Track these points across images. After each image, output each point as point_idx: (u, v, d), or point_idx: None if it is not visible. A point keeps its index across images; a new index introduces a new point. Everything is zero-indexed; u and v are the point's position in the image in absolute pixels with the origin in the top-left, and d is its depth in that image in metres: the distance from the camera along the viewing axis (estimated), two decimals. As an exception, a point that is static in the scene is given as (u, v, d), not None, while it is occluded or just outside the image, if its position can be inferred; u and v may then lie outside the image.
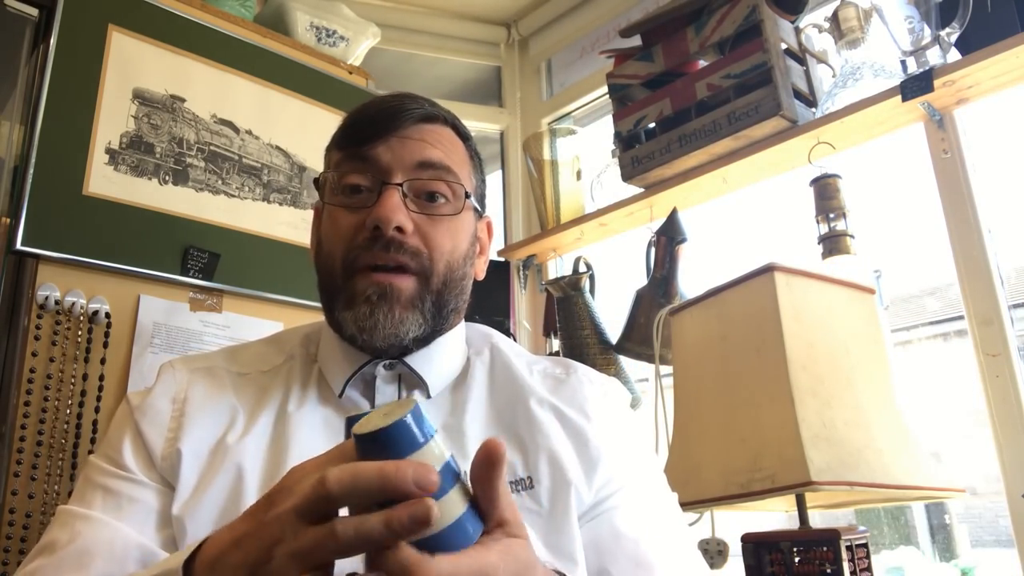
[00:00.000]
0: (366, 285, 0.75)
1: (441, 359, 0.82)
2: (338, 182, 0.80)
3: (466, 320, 0.91)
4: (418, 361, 0.80)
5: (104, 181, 1.40)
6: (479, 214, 0.87)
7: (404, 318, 0.75)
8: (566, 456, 0.76)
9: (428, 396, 0.80)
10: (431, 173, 0.78)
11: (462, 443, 0.76)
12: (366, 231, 0.75)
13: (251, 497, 0.70)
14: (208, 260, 1.48)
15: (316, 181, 0.84)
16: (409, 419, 0.46)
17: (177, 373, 0.81)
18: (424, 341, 0.79)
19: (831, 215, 1.45)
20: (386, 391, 0.79)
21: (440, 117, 0.83)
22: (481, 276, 0.89)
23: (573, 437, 0.78)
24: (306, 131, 1.69)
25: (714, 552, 1.34)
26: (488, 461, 0.49)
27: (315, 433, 0.75)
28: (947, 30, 1.36)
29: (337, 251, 0.77)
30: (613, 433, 0.81)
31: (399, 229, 0.75)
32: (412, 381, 0.80)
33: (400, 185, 0.76)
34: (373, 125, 0.79)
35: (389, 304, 0.74)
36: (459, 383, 0.83)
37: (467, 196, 0.80)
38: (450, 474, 0.48)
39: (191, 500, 0.70)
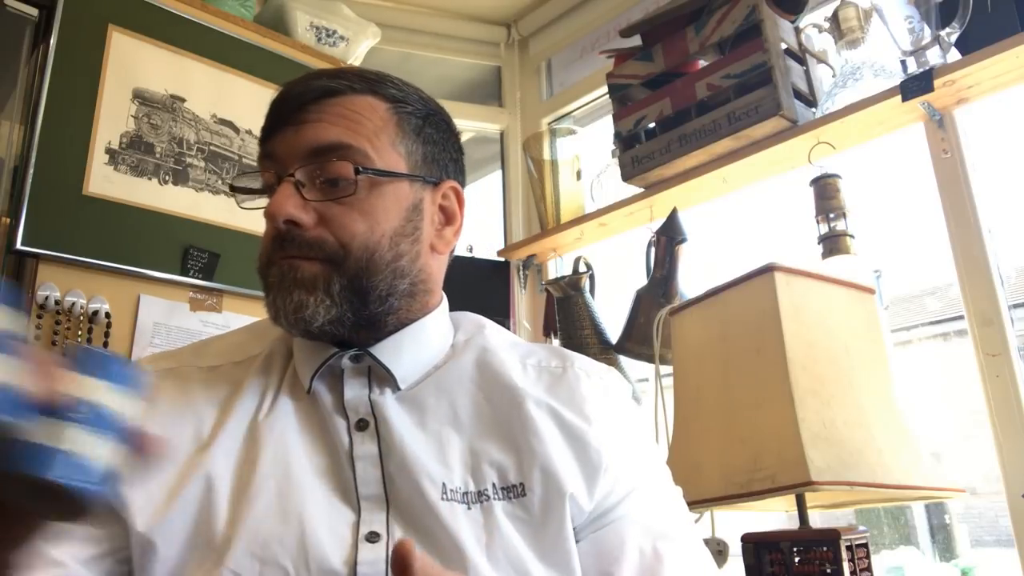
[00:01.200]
0: (273, 272, 0.72)
1: (414, 348, 0.76)
2: (259, 184, 0.77)
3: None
4: (385, 351, 0.75)
5: (104, 181, 1.40)
6: (430, 182, 0.78)
7: (304, 301, 0.70)
8: (564, 464, 0.72)
9: (398, 388, 0.75)
10: (328, 156, 0.72)
11: (442, 447, 0.72)
12: (271, 231, 0.72)
13: (222, 507, 0.67)
14: (208, 260, 1.48)
15: (232, 187, 0.81)
16: None
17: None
18: (372, 328, 0.74)
19: (831, 215, 1.45)
20: (354, 384, 0.74)
21: (346, 88, 0.75)
22: (444, 250, 0.81)
23: (572, 442, 0.74)
24: (306, 131, 1.69)
25: (714, 552, 1.34)
26: (399, 568, 0.47)
27: (289, 432, 0.71)
28: (947, 30, 1.36)
29: (260, 254, 0.75)
30: (615, 435, 0.77)
31: (295, 224, 0.70)
32: (380, 373, 0.75)
33: (292, 176, 0.71)
34: (275, 116, 0.75)
35: (287, 287, 0.70)
36: (440, 377, 0.77)
37: (369, 172, 0.72)
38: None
39: (159, 515, 0.66)
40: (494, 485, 0.70)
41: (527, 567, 0.67)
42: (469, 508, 0.69)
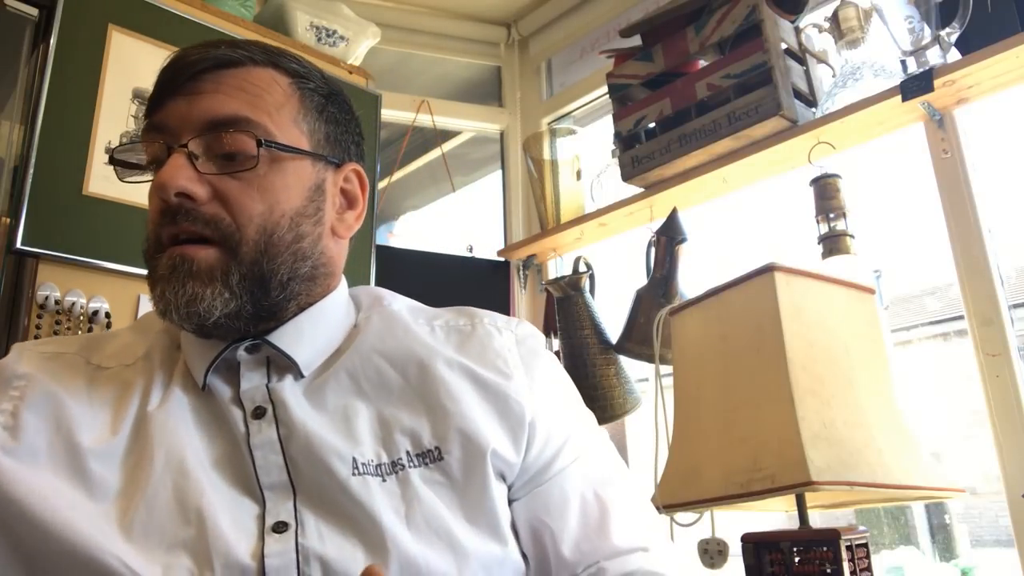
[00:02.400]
0: (161, 262, 0.66)
1: (314, 332, 0.72)
2: (146, 158, 0.71)
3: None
4: (284, 338, 0.70)
5: (104, 181, 1.40)
6: (332, 162, 0.75)
7: (199, 294, 0.65)
8: (483, 421, 0.70)
9: (301, 376, 0.71)
10: (223, 128, 0.67)
11: (347, 422, 0.68)
12: (159, 205, 0.66)
13: (111, 510, 0.62)
14: (208, 260, 1.48)
15: (112, 159, 0.74)
16: None
17: (25, 353, 0.72)
18: (268, 318, 0.70)
19: (831, 215, 1.45)
20: (252, 377, 0.70)
21: (246, 59, 0.70)
22: (347, 234, 0.77)
23: (490, 398, 0.72)
24: (306, 131, 1.69)
25: (714, 552, 1.34)
26: None
27: (182, 428, 0.67)
28: (947, 30, 1.36)
29: (148, 234, 0.69)
30: (536, 387, 0.75)
31: (187, 197, 0.65)
32: (281, 362, 0.71)
33: (185, 147, 0.66)
34: (166, 85, 0.69)
35: (180, 279, 0.65)
36: (342, 352, 0.73)
37: (272, 146, 0.68)
38: None
39: (24, 508, 0.61)
40: (408, 453, 0.68)
41: (452, 531, 0.66)
42: (384, 480, 0.66)
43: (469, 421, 0.69)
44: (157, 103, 0.69)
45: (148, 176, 0.70)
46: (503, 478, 0.71)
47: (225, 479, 0.65)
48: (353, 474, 0.65)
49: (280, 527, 0.63)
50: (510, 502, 0.72)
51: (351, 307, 0.79)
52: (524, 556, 0.71)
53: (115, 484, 0.64)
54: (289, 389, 0.70)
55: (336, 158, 0.75)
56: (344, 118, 0.78)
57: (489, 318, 0.80)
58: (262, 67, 0.71)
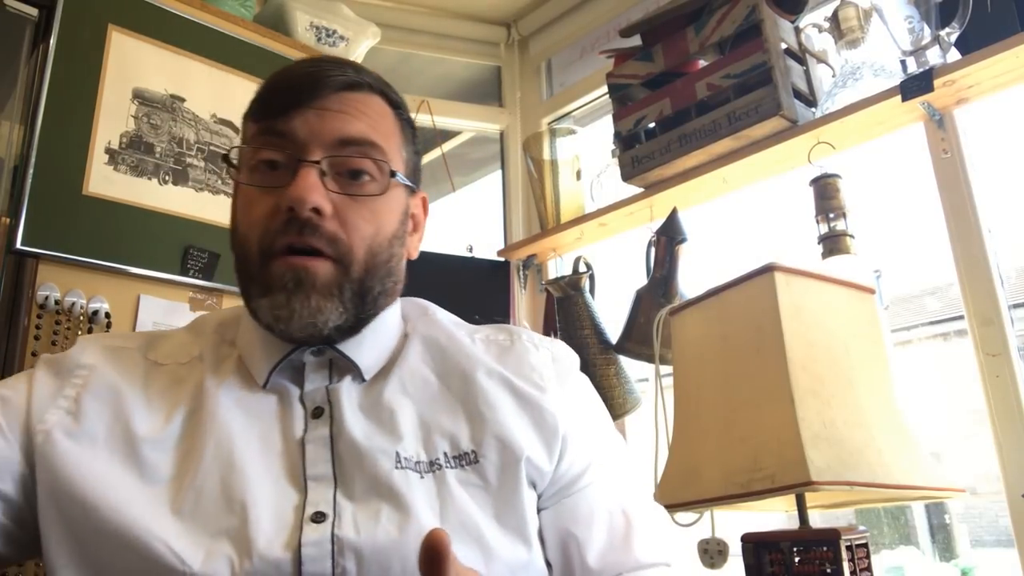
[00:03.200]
0: (282, 271, 0.70)
1: (374, 340, 0.77)
2: (252, 158, 0.74)
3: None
4: (348, 345, 0.75)
5: (104, 181, 1.40)
6: (412, 190, 0.80)
7: (321, 306, 0.70)
8: (519, 429, 0.74)
9: (363, 380, 0.76)
10: (353, 150, 0.72)
11: (393, 421, 0.72)
12: (282, 213, 0.69)
13: (154, 495, 0.66)
14: (208, 260, 1.48)
15: (225, 156, 0.77)
16: None
17: (91, 346, 0.77)
18: (351, 329, 0.74)
19: (831, 215, 1.45)
20: (315, 378, 0.75)
21: (365, 84, 0.75)
22: (414, 255, 0.83)
23: (526, 408, 0.76)
24: (306, 131, 1.69)
25: (714, 552, 1.34)
26: (429, 556, 0.48)
27: (233, 424, 0.71)
28: (947, 30, 1.36)
29: (253, 235, 0.72)
30: (569, 402, 0.79)
31: (316, 211, 0.69)
32: (343, 366, 0.76)
33: (318, 163, 0.70)
34: (290, 95, 0.73)
35: (305, 292, 0.69)
36: (392, 360, 0.78)
37: (393, 175, 0.74)
38: None
39: (80, 488, 0.65)
40: (446, 454, 0.71)
41: (481, 531, 0.68)
42: (422, 477, 0.70)
43: (506, 428, 0.73)
44: (279, 111, 0.72)
45: (259, 177, 0.73)
46: (534, 486, 0.74)
47: (272, 472, 0.69)
48: (396, 467, 0.69)
49: (318, 517, 0.66)
50: (538, 510, 0.75)
51: (400, 317, 0.84)
52: (548, 563, 0.75)
53: (166, 471, 0.68)
54: (346, 391, 0.74)
55: (416, 185, 0.82)
56: (419, 148, 0.84)
57: (527, 335, 0.85)
58: (375, 95, 0.77)
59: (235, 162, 0.77)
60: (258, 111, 0.75)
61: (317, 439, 0.71)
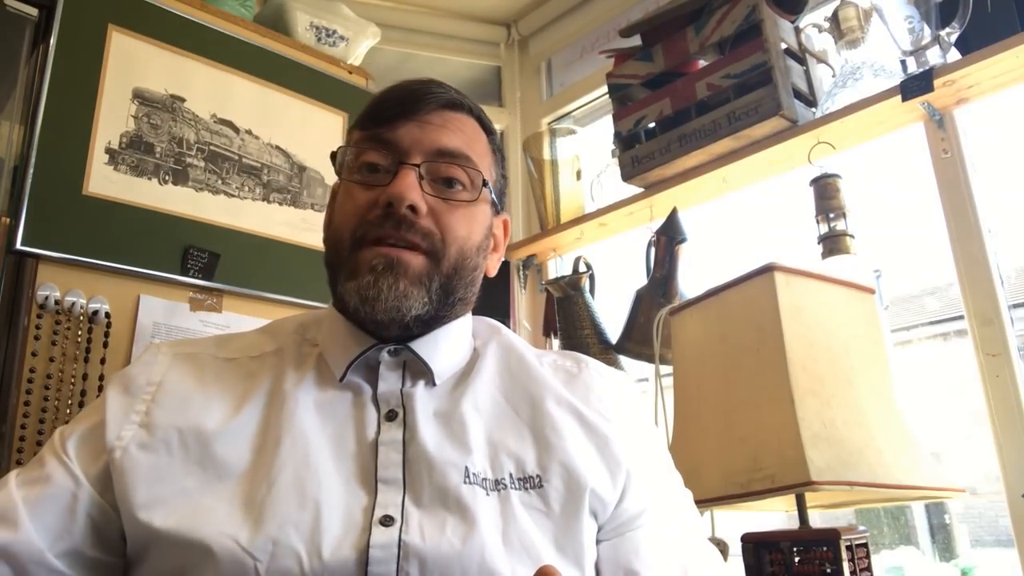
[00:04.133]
0: (372, 256, 0.74)
1: (448, 347, 0.81)
2: (356, 159, 0.79)
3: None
4: (423, 347, 0.78)
5: (104, 181, 1.40)
6: (496, 210, 0.86)
7: (408, 292, 0.73)
8: (585, 458, 0.75)
9: (433, 384, 0.78)
10: (450, 159, 0.78)
11: (465, 435, 0.74)
12: (379, 208, 0.74)
13: (235, 491, 0.68)
14: (208, 260, 1.48)
15: (333, 155, 0.83)
16: None
17: (160, 355, 0.79)
18: (427, 325, 0.78)
19: (831, 215, 1.45)
20: (389, 377, 0.78)
21: (465, 106, 0.82)
22: (493, 273, 0.87)
23: (593, 438, 0.77)
24: (306, 131, 1.69)
25: (714, 552, 1.34)
26: None
27: (310, 419, 0.73)
28: (947, 30, 1.36)
29: (347, 224, 0.76)
30: (634, 435, 0.81)
31: (412, 208, 0.74)
32: (417, 368, 0.78)
33: (418, 166, 0.76)
34: (396, 107, 0.79)
35: (395, 275, 0.73)
36: (466, 373, 0.81)
37: (484, 185, 0.80)
38: None
39: (156, 493, 0.68)
40: (511, 475, 0.73)
41: (540, 555, 0.69)
42: (488, 494, 0.71)
43: (572, 457, 0.74)
44: (385, 121, 0.78)
45: (361, 176, 0.79)
46: (595, 516, 0.75)
47: (344, 470, 0.71)
48: (465, 482, 0.70)
49: (387, 520, 0.67)
50: (598, 541, 0.76)
51: (471, 332, 0.87)
52: None
53: (240, 464, 0.70)
54: (420, 396, 0.76)
55: (501, 206, 0.87)
56: (504, 173, 0.89)
57: (594, 364, 0.87)
58: (472, 118, 0.83)
59: (339, 162, 0.82)
60: (366, 120, 0.81)
61: (390, 442, 0.72)
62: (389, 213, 0.74)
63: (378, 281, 0.73)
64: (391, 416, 0.74)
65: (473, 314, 0.90)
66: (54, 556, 0.68)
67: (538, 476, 0.73)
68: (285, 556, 0.64)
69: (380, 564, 0.64)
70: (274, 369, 0.78)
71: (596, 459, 0.76)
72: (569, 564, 0.71)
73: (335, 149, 0.82)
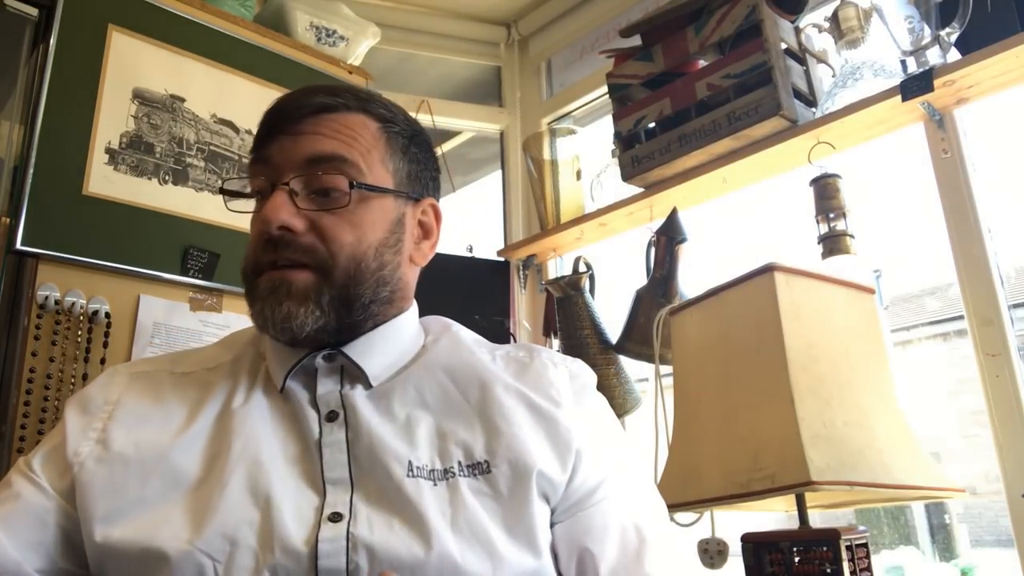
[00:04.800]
0: (264, 283, 0.75)
1: (384, 348, 0.81)
2: (248, 188, 0.81)
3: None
4: (356, 350, 0.79)
5: (104, 181, 1.40)
6: (412, 198, 0.84)
7: (293, 312, 0.74)
8: (532, 442, 0.76)
9: (370, 385, 0.79)
10: (323, 167, 0.76)
11: (409, 429, 0.75)
12: (263, 236, 0.75)
13: (190, 493, 0.70)
14: (208, 260, 1.48)
15: (221, 189, 0.84)
16: None
17: (116, 376, 0.81)
18: (350, 331, 0.78)
19: (831, 215, 1.45)
20: (327, 382, 0.79)
21: (341, 104, 0.80)
22: (422, 262, 0.86)
23: (541, 422, 0.78)
24: (306, 131, 1.69)
25: (714, 552, 1.34)
26: None
27: (260, 425, 0.75)
28: (947, 30, 1.36)
29: (248, 259, 0.78)
30: (584, 418, 0.81)
31: (288, 229, 0.74)
32: (353, 373, 0.79)
33: (287, 184, 0.75)
34: (268, 126, 0.79)
35: (278, 298, 0.74)
36: (411, 372, 0.81)
37: (363, 187, 0.77)
38: None
39: (114, 506, 0.69)
40: (460, 463, 0.74)
41: (491, 538, 0.70)
42: (435, 484, 0.72)
43: (520, 442, 0.75)
44: (263, 140, 0.79)
45: (249, 205, 0.80)
46: (547, 499, 0.76)
47: (294, 472, 0.73)
48: (408, 475, 0.72)
49: (335, 517, 0.69)
50: (553, 524, 0.77)
51: (420, 332, 0.87)
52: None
53: (195, 470, 0.72)
54: (359, 396, 0.77)
55: (416, 194, 0.84)
56: (424, 157, 0.87)
57: (547, 353, 0.87)
58: (354, 112, 0.81)
59: (234, 191, 0.83)
60: (253, 144, 0.81)
61: (334, 443, 0.74)
62: (268, 238, 0.75)
63: (264, 309, 0.75)
64: (331, 417, 0.76)
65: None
66: (31, 568, 0.69)
67: (486, 462, 0.74)
68: (242, 554, 0.66)
69: (329, 557, 0.66)
70: (229, 379, 0.80)
71: (544, 442, 0.77)
72: (520, 546, 0.72)
73: (223, 185, 0.84)
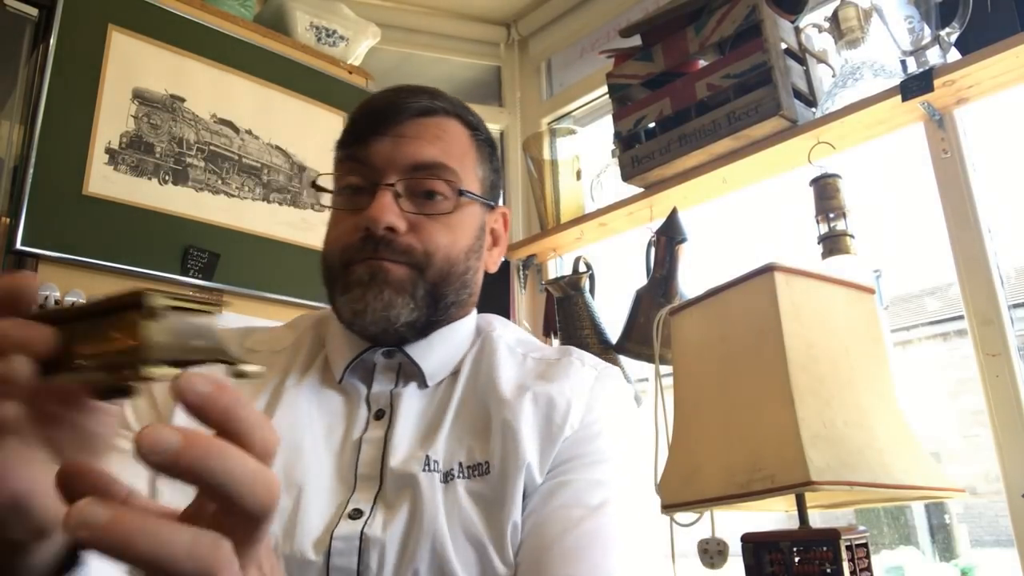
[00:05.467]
0: (361, 270, 0.76)
1: (441, 349, 0.82)
2: (337, 184, 0.81)
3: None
4: (416, 350, 0.80)
5: (104, 181, 1.40)
6: (489, 206, 0.86)
7: (393, 300, 0.75)
8: (528, 433, 0.73)
9: (425, 385, 0.80)
10: (426, 173, 0.78)
11: (435, 430, 0.76)
12: (360, 232, 0.76)
13: None
14: (208, 260, 1.48)
15: (313, 183, 0.84)
16: None
17: None
18: (421, 331, 0.79)
19: (831, 215, 1.45)
20: (383, 379, 0.80)
21: (440, 109, 0.82)
22: (493, 269, 0.88)
23: (542, 414, 0.75)
24: (306, 131, 1.69)
25: (714, 552, 1.34)
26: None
27: (307, 410, 0.76)
28: (947, 30, 1.36)
29: (336, 251, 0.79)
30: (590, 412, 0.77)
31: (391, 229, 0.76)
32: (410, 371, 0.81)
33: (392, 185, 0.77)
34: (369, 124, 0.80)
35: (379, 286, 0.75)
36: (456, 373, 0.82)
37: (461, 194, 0.80)
38: None
39: None
40: (460, 464, 0.74)
41: (480, 539, 0.70)
42: (443, 483, 0.73)
43: (516, 432, 0.73)
44: (360, 139, 0.79)
45: (343, 200, 0.80)
46: (526, 495, 0.72)
47: (331, 465, 0.73)
48: (423, 470, 0.72)
49: (356, 514, 0.70)
50: (525, 520, 0.71)
51: (474, 331, 0.88)
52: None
53: None
54: (408, 396, 0.79)
55: (492, 202, 0.87)
56: (498, 166, 0.89)
57: (578, 355, 0.86)
58: (450, 118, 0.83)
59: (326, 187, 0.83)
60: (343, 140, 0.81)
61: (374, 439, 0.75)
62: (369, 236, 0.76)
63: (365, 294, 0.75)
64: (379, 415, 0.77)
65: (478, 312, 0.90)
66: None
67: (486, 463, 0.73)
68: None
69: (342, 556, 0.67)
70: (287, 363, 0.81)
71: (536, 433, 0.74)
72: (510, 545, 0.69)
73: (315, 181, 0.84)
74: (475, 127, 0.85)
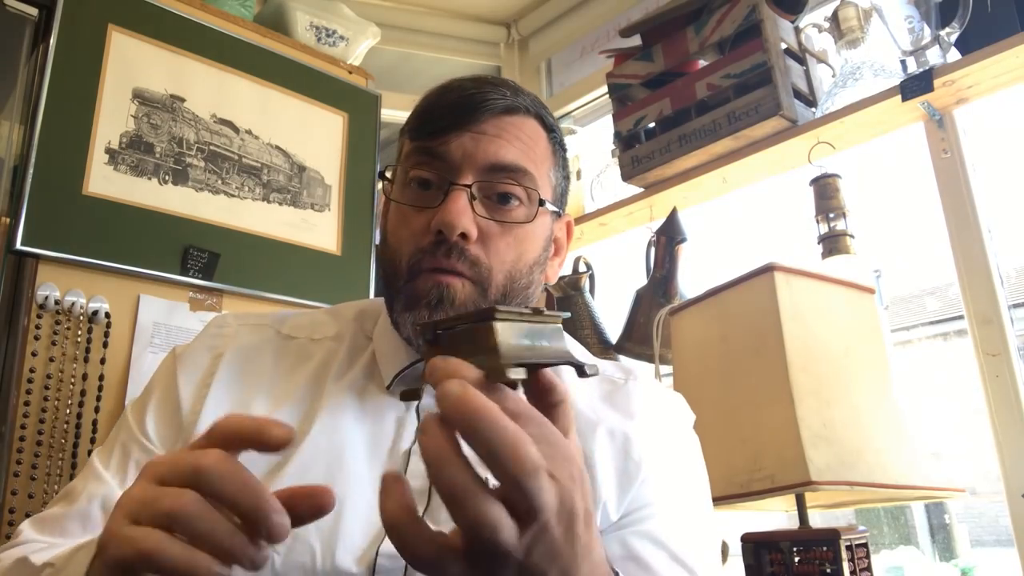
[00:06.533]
0: (428, 286, 0.71)
1: None
2: (406, 175, 0.76)
3: None
4: None
5: (104, 181, 1.40)
6: (558, 214, 0.81)
7: None
8: (604, 471, 0.72)
9: None
10: (504, 176, 0.73)
11: None
12: (431, 234, 0.71)
13: (265, 475, 0.67)
14: (208, 260, 1.48)
15: (382, 174, 0.79)
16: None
17: (225, 327, 0.80)
18: None
19: (831, 215, 1.45)
20: (432, 391, 0.78)
21: (523, 107, 0.76)
22: (553, 280, 0.83)
23: (616, 451, 0.74)
24: (306, 131, 1.69)
25: (714, 552, 1.34)
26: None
27: (349, 413, 0.72)
28: (947, 30, 1.36)
29: (403, 251, 0.74)
30: (659, 448, 0.76)
31: (463, 235, 0.71)
32: None
33: (469, 187, 0.72)
34: (448, 117, 0.74)
35: (444, 309, 0.71)
36: None
37: (542, 203, 0.75)
38: None
39: None
40: None
41: None
42: None
43: (592, 471, 0.71)
44: (436, 132, 0.73)
45: (411, 194, 0.75)
46: (600, 525, 0.71)
47: (372, 475, 0.69)
48: None
49: None
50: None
51: None
52: None
53: (276, 454, 0.70)
54: None
55: (562, 210, 0.81)
56: (566, 172, 0.82)
57: (643, 379, 0.83)
58: (531, 118, 0.76)
59: (389, 176, 0.78)
60: (416, 129, 0.76)
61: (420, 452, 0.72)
62: (441, 240, 0.71)
63: (431, 317, 0.71)
64: None
65: None
66: None
67: None
68: (301, 551, 0.63)
69: (387, 573, 0.64)
70: (328, 355, 0.78)
71: (612, 471, 0.72)
72: None
73: (385, 170, 0.79)
74: (553, 128, 0.79)
